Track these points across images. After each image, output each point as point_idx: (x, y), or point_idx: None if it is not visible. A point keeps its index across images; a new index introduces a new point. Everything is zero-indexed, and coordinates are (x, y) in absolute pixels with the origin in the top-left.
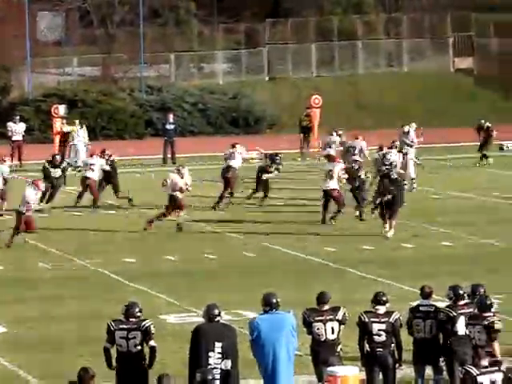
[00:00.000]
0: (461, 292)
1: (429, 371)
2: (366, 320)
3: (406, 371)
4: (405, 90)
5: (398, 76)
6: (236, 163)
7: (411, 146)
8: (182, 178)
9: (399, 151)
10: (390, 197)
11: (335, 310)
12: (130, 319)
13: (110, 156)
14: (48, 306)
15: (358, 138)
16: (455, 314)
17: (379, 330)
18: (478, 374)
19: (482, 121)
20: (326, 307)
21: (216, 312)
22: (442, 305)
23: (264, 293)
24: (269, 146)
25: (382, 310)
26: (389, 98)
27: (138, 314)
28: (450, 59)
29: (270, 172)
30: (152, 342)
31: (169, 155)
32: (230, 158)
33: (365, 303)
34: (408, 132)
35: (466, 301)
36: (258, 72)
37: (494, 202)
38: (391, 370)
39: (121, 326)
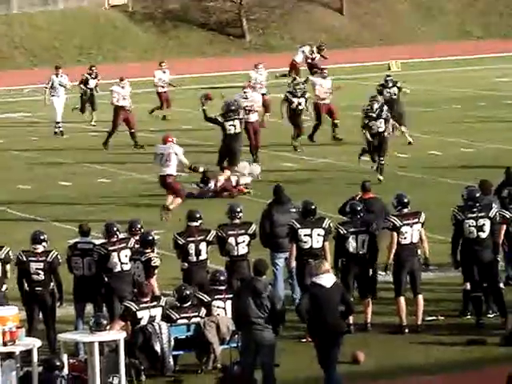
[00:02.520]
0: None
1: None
2: (25, 259)
3: (67, 309)
4: (60, 29)
5: (52, 14)
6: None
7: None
8: None
9: None
10: None
11: None
12: None
13: None
14: None
15: None
16: (108, 251)
17: (37, 268)
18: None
19: None
20: None
21: None
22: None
23: None
24: None
25: (40, 249)
26: (44, 36)
27: None
28: None
29: None
30: None
31: None
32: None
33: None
34: (62, 75)
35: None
36: None
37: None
38: (50, 308)
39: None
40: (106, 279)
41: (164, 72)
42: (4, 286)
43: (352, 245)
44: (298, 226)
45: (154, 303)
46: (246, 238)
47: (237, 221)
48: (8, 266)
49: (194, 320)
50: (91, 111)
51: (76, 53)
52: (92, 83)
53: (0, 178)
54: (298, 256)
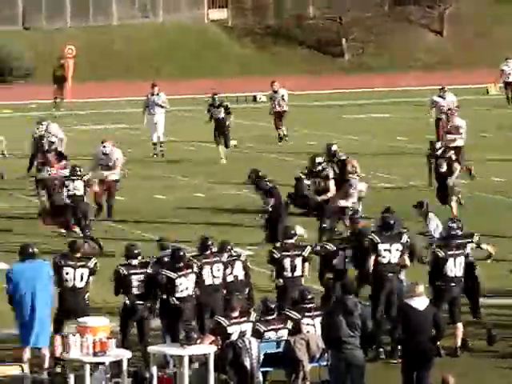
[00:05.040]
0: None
1: None
2: (126, 273)
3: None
4: (158, 41)
5: (152, 27)
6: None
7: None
8: None
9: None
10: None
11: None
12: None
13: None
14: None
15: None
16: (202, 263)
17: (138, 281)
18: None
19: None
20: None
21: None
22: None
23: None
24: (21, 96)
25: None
26: (142, 49)
27: None
28: (204, 10)
29: None
30: None
31: None
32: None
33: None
34: (158, 93)
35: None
36: (11, 22)
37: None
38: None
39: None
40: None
41: (275, 91)
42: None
43: (450, 267)
44: (378, 240)
45: (245, 318)
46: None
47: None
48: (91, 278)
49: (281, 332)
50: None
51: (174, 66)
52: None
53: None
54: (375, 270)
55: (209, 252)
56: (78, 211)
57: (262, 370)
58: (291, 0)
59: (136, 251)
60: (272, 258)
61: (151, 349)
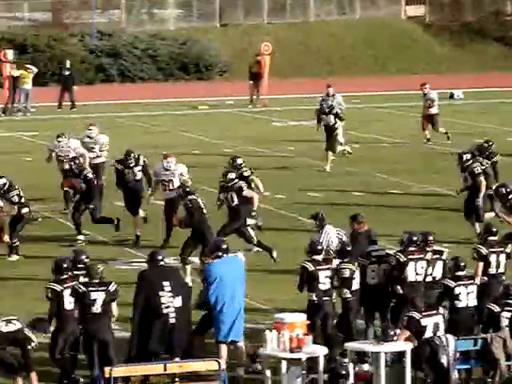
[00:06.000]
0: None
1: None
2: (313, 268)
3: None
4: (356, 38)
5: (349, 23)
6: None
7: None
8: None
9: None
10: None
11: None
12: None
13: None
14: None
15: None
16: (406, 259)
17: (325, 277)
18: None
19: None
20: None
21: (160, 257)
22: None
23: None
24: (218, 92)
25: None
26: (340, 45)
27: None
28: (401, 7)
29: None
30: None
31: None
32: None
33: None
34: (334, 95)
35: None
36: (209, 18)
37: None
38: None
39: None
40: (399, 289)
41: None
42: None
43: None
44: (404, 259)
45: (435, 311)
46: None
47: None
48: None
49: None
50: None
51: (371, 63)
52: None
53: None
54: None
55: (413, 248)
56: None
57: (458, 367)
58: None
59: None
60: (479, 254)
61: (348, 345)
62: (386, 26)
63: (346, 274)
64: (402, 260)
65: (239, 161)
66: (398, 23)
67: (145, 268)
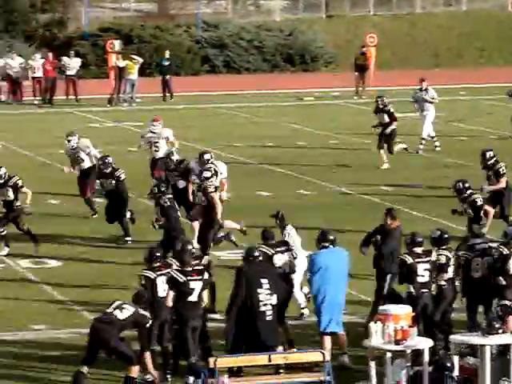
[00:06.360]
0: None
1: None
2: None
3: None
4: (462, 30)
5: (456, 15)
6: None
7: (431, 103)
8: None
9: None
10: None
11: None
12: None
13: None
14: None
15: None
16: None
17: (424, 269)
18: None
19: None
20: None
21: (256, 253)
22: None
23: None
24: (324, 84)
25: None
26: (446, 37)
27: None
28: None
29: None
30: None
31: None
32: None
33: None
34: (426, 89)
35: None
36: (315, 9)
37: None
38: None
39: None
40: (502, 281)
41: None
42: None
43: None
44: (507, 252)
45: None
46: None
47: None
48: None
49: None
50: None
51: (477, 55)
52: None
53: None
54: None
55: None
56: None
57: None
58: None
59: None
60: None
61: (453, 338)
62: (492, 18)
63: (443, 259)
64: (504, 252)
65: (207, 156)
66: (504, 15)
67: (242, 265)
